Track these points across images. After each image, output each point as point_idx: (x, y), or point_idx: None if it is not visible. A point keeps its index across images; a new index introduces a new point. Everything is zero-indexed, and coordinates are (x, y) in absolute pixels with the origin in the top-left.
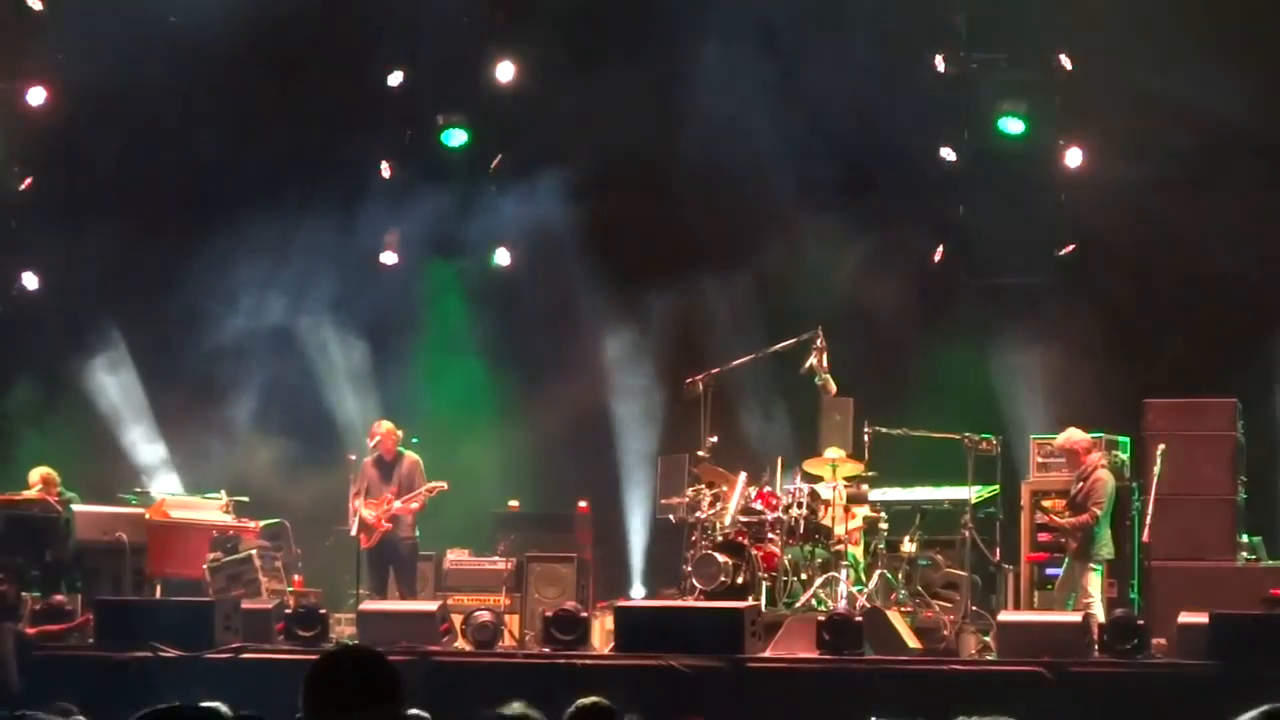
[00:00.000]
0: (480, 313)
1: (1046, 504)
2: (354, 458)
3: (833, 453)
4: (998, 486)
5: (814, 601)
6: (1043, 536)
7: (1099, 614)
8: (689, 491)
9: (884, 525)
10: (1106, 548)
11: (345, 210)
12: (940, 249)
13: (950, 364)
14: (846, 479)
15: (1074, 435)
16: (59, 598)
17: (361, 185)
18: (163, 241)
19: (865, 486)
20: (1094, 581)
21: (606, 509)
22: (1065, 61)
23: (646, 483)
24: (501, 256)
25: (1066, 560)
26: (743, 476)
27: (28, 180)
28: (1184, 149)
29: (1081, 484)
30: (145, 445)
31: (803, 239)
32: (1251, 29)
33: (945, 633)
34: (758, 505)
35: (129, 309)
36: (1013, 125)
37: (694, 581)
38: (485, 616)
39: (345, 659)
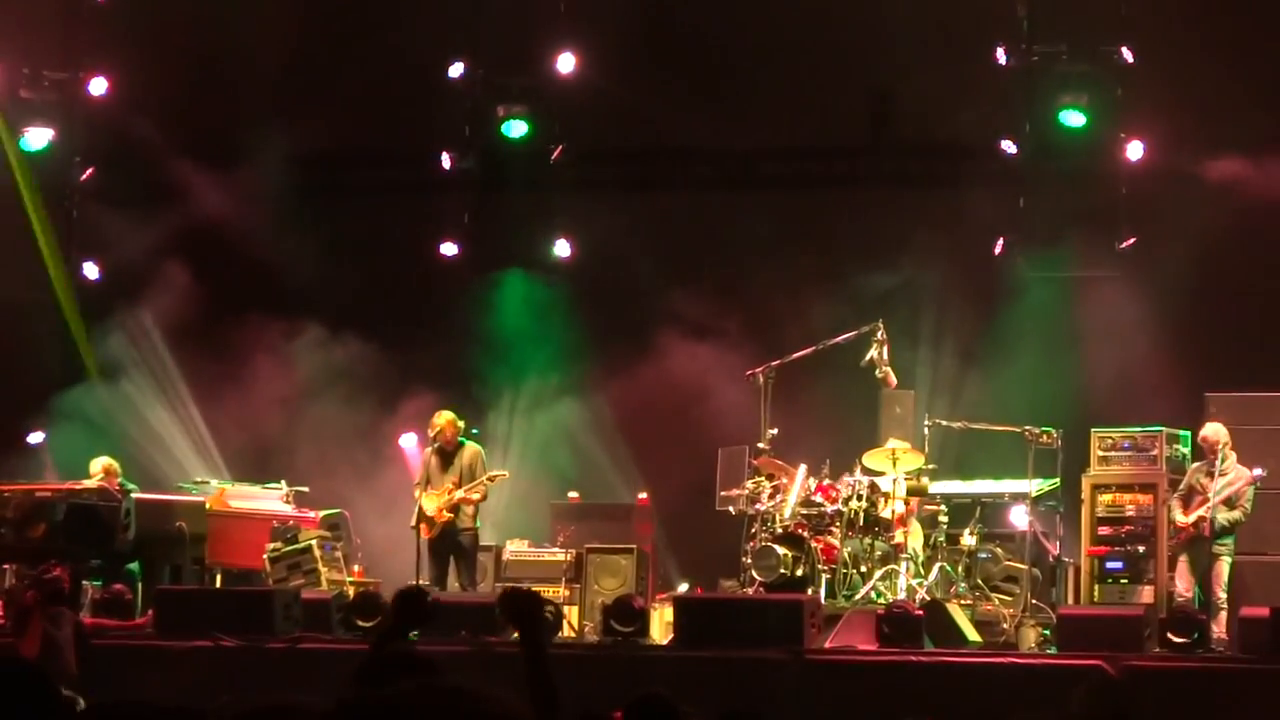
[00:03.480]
0: (538, 306)
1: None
2: (403, 446)
3: (894, 444)
4: (1058, 480)
5: (873, 594)
6: (1103, 530)
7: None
8: (749, 484)
9: (943, 518)
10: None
11: (407, 200)
12: (1001, 241)
13: (1010, 357)
14: (907, 471)
15: (1223, 430)
16: (119, 587)
17: (423, 176)
18: (224, 232)
19: (925, 479)
20: (1226, 570)
21: (667, 501)
22: (1126, 54)
23: (707, 475)
24: (561, 248)
25: (1196, 551)
26: (802, 469)
27: (89, 170)
28: (1245, 140)
29: (1221, 477)
30: (196, 435)
31: (862, 232)
32: None
33: (1005, 626)
34: (817, 498)
35: (187, 299)
36: (1074, 118)
37: (753, 573)
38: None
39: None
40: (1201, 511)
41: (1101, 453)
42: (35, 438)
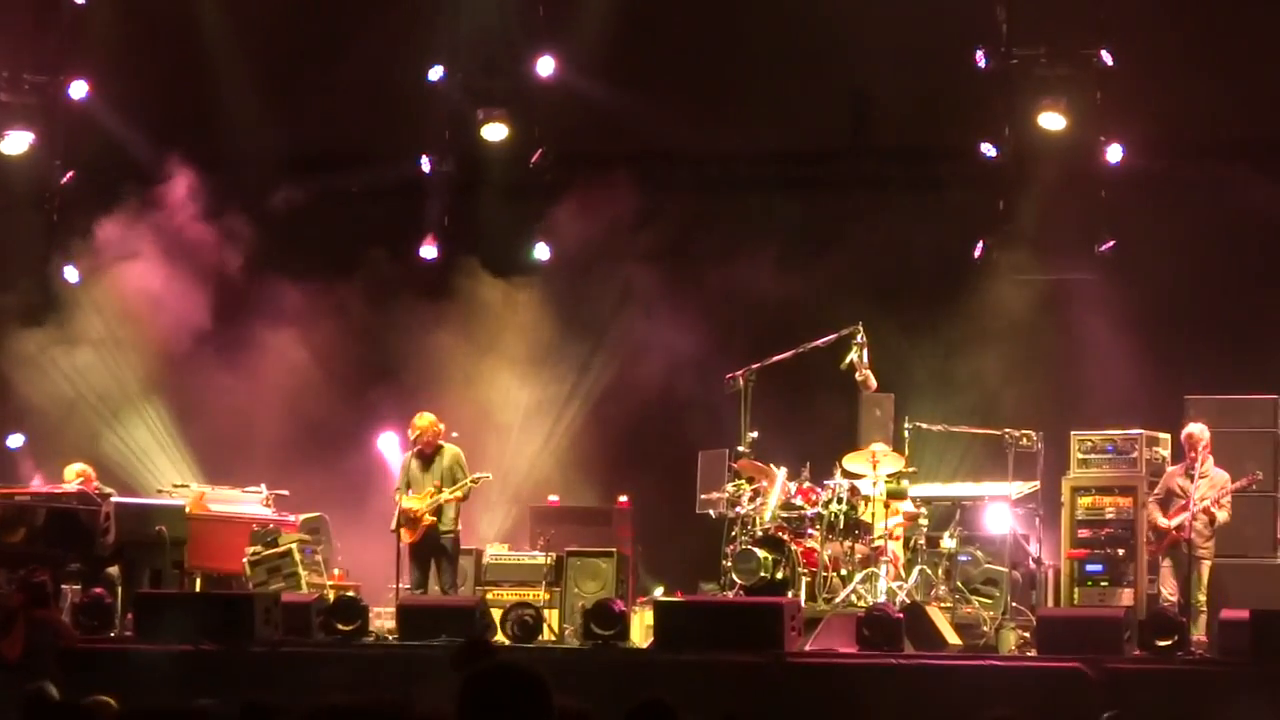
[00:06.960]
0: (518, 308)
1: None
2: (382, 449)
3: (874, 447)
4: (1038, 482)
5: (854, 597)
6: (1083, 532)
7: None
8: (729, 487)
9: (924, 521)
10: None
11: (387, 202)
12: (980, 244)
13: (990, 359)
14: (887, 474)
15: (1206, 431)
16: (98, 591)
17: (403, 179)
18: (203, 235)
19: (905, 482)
20: (1206, 573)
21: (647, 504)
22: (1106, 57)
23: (687, 478)
24: (540, 251)
25: (1179, 554)
26: (783, 472)
27: (70, 174)
28: (1223, 144)
29: (1204, 480)
30: (174, 439)
31: (842, 235)
32: None
33: (985, 629)
34: (798, 501)
35: (166, 302)
36: (1053, 121)
37: (734, 577)
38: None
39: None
40: (1185, 516)
41: (1081, 455)
42: (15, 441)
